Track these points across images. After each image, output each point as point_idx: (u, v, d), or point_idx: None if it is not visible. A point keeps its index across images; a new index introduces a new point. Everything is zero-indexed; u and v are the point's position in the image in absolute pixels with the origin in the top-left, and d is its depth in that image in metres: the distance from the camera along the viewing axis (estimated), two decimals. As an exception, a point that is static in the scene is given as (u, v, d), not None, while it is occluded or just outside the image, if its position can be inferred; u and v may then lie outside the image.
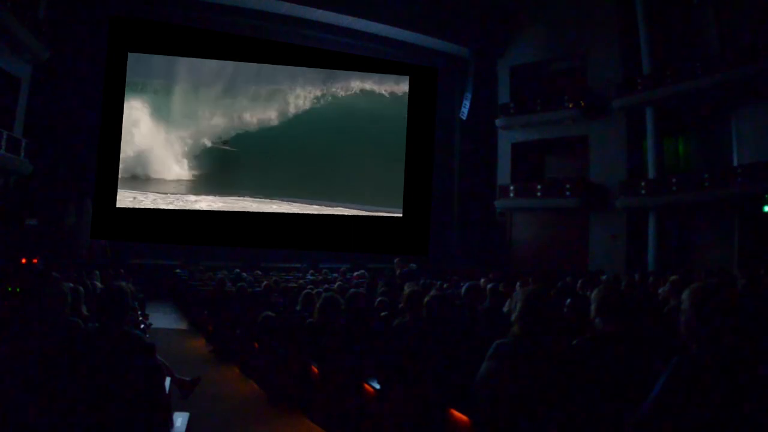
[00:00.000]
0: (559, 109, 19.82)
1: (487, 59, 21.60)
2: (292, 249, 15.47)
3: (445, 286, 8.40)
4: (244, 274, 11.52)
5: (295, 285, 9.61)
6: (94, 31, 14.76)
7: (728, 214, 16.18)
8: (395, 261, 9.58)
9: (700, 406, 1.74)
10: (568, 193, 19.38)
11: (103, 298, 2.75)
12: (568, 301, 3.91)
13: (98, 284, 7.12)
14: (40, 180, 15.25)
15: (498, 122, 21.35)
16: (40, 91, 15.43)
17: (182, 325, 11.27)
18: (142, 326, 7.07)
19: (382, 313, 5.11)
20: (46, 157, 15.31)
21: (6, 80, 14.35)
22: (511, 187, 20.69)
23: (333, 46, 17.25)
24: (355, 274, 11.44)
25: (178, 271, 15.20)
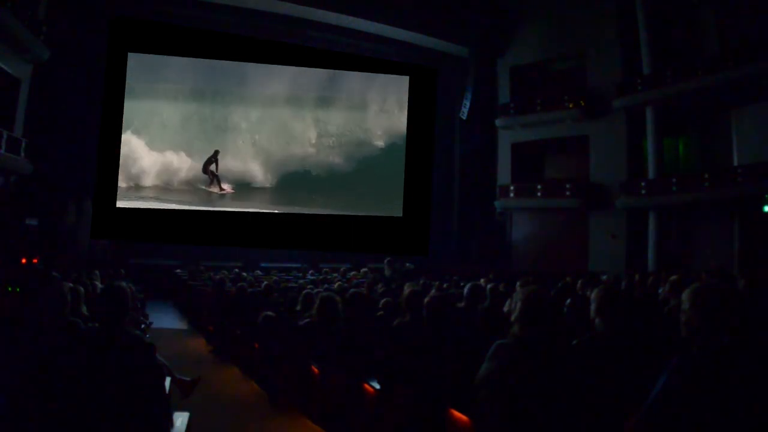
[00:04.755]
0: (559, 109, 19.82)
1: (487, 59, 21.59)
2: (292, 249, 15.49)
3: (445, 286, 8.39)
4: (244, 274, 11.52)
5: (295, 285, 9.60)
6: (94, 31, 14.75)
7: (728, 214, 16.18)
8: (386, 261, 9.42)
9: (700, 406, 1.74)
10: (568, 193, 19.39)
11: (103, 298, 2.75)
12: (568, 301, 3.92)
13: (98, 284, 7.12)
14: (40, 180, 15.24)
15: (498, 122, 21.35)
16: (40, 91, 15.43)
17: (182, 325, 11.27)
18: (142, 326, 7.08)
19: (378, 313, 5.10)
20: (46, 157, 15.31)
21: (6, 80, 14.36)
22: (511, 187, 20.69)
23: (333, 46, 17.27)
24: (352, 273, 11.43)
25: (178, 271, 15.20)
